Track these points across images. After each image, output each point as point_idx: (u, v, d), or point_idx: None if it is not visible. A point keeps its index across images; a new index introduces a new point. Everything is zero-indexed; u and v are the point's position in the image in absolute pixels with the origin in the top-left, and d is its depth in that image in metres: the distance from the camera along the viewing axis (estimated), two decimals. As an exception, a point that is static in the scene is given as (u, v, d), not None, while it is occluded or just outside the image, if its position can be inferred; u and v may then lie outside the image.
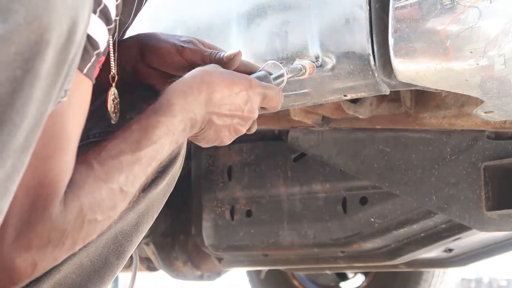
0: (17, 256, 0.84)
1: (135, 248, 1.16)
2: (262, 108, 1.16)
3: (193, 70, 1.07)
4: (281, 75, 1.20)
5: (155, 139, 0.97)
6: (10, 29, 0.69)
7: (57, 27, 0.72)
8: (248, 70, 1.18)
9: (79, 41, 0.77)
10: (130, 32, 1.19)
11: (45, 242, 0.85)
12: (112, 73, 1.08)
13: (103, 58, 0.94)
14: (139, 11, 1.14)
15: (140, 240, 1.17)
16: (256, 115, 1.13)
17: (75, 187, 0.87)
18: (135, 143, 0.95)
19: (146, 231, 1.18)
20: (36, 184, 0.82)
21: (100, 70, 0.99)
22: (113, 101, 1.07)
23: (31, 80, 0.72)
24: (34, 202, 0.83)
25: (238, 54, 1.15)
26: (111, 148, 0.93)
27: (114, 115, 1.07)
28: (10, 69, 0.70)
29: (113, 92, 1.07)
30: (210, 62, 1.13)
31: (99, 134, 1.08)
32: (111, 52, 1.06)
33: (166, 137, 0.98)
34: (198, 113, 1.03)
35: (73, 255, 1.06)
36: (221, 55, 1.14)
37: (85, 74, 0.86)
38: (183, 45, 1.15)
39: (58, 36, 0.73)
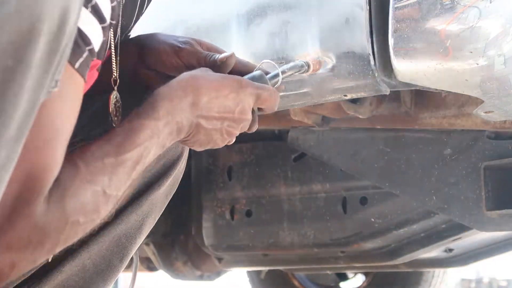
0: None
1: (137, 249, 1.16)
2: (259, 109, 1.14)
3: (180, 75, 1.06)
4: (277, 75, 1.17)
5: (138, 142, 0.95)
6: (1, 18, 0.68)
7: (49, 17, 0.71)
8: (246, 70, 1.16)
9: (71, 31, 0.76)
10: (131, 32, 1.19)
11: (25, 242, 0.83)
12: (114, 76, 1.06)
13: (99, 62, 0.94)
14: (141, 15, 1.13)
15: (142, 241, 1.17)
16: (249, 116, 1.10)
17: (60, 187, 0.86)
18: (118, 146, 0.94)
19: (148, 232, 1.18)
20: (23, 176, 0.80)
21: (101, 71, 0.99)
22: (115, 104, 1.06)
23: (23, 69, 0.71)
24: (19, 195, 0.81)
25: (231, 56, 1.14)
26: (96, 149, 0.92)
27: (116, 118, 1.06)
28: (2, 59, 0.69)
29: (115, 95, 1.06)
30: (205, 65, 1.12)
31: (100, 135, 1.08)
32: (113, 55, 1.05)
33: (151, 140, 0.97)
34: (185, 117, 1.02)
35: (75, 256, 1.06)
36: (215, 57, 1.13)
37: (77, 70, 0.85)
38: (180, 46, 1.15)
39: (49, 25, 0.72)
